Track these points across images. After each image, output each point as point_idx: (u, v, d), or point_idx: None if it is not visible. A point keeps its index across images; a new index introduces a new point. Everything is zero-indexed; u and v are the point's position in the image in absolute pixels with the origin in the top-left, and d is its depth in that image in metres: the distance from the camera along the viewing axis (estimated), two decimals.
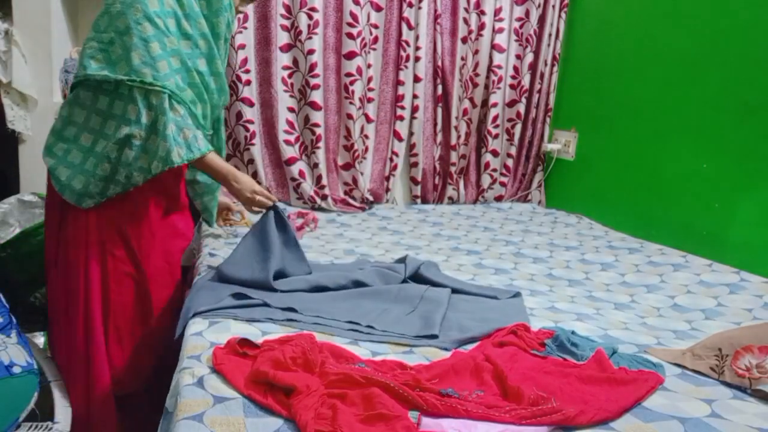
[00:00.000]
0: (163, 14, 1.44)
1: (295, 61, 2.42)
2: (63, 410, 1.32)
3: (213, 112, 1.64)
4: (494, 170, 2.85)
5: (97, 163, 1.44)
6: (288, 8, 2.36)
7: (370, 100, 2.55)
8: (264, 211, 1.62)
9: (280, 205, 1.69)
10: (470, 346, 1.26)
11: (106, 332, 1.51)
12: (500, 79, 2.73)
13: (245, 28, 2.32)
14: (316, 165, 2.48)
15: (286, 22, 2.38)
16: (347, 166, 2.58)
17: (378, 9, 2.48)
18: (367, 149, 2.60)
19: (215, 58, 1.55)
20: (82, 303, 1.50)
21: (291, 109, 2.45)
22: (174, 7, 1.47)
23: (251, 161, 2.43)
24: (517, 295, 1.62)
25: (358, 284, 1.54)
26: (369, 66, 2.51)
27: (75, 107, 1.48)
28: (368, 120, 2.56)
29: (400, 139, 2.63)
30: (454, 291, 1.58)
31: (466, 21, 2.63)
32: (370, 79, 2.53)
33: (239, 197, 1.62)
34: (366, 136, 2.58)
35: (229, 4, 1.55)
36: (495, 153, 2.83)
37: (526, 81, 2.77)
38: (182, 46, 1.49)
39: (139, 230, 1.52)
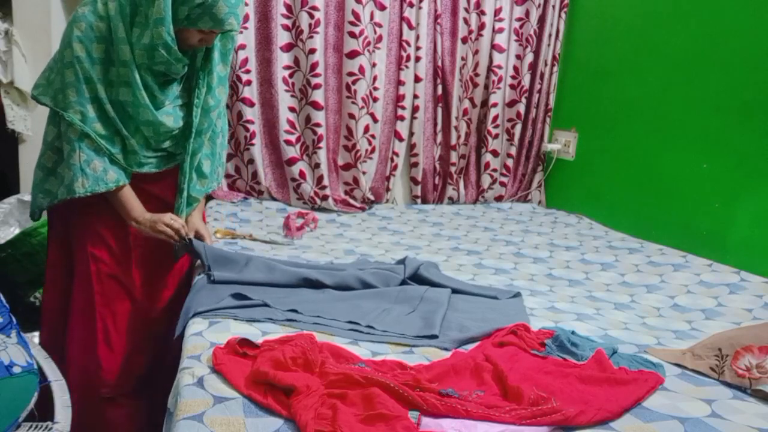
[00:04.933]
0: (87, 39, 1.37)
1: (297, 61, 2.41)
2: (63, 410, 1.32)
3: (154, 144, 1.51)
4: (494, 170, 2.84)
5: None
6: (289, 7, 2.36)
7: (375, 100, 2.54)
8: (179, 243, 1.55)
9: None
10: (470, 346, 1.26)
11: (94, 334, 1.53)
12: (500, 79, 2.73)
13: (246, 28, 2.32)
14: (317, 165, 2.48)
15: (287, 22, 2.37)
16: (348, 166, 2.57)
17: (382, 8, 2.47)
18: (373, 149, 2.59)
19: (138, 89, 1.41)
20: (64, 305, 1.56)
21: (292, 109, 2.45)
22: (104, 33, 1.39)
23: (251, 161, 2.43)
24: (517, 295, 1.62)
25: (359, 282, 1.54)
26: (374, 65, 2.50)
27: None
28: (374, 120, 2.56)
29: (401, 139, 2.63)
30: (454, 291, 1.58)
31: (466, 21, 2.63)
32: (375, 78, 2.52)
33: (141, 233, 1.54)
34: (373, 136, 2.57)
35: (167, 34, 1.36)
36: (495, 153, 2.83)
37: (526, 81, 2.77)
38: (102, 72, 1.40)
39: (115, 231, 1.52)
